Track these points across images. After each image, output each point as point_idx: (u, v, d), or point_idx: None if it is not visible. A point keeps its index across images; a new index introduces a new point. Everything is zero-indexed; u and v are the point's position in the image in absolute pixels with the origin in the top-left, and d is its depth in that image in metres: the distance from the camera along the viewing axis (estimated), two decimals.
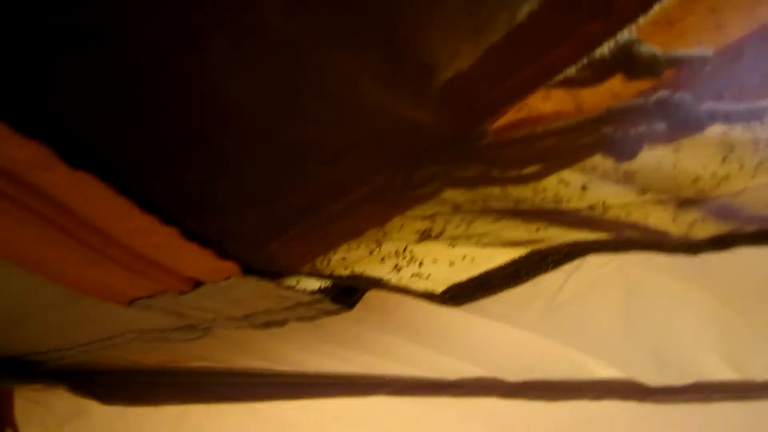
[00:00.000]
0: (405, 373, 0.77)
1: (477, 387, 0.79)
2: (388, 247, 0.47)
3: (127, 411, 0.75)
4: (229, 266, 0.43)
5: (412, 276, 0.49)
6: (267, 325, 0.53)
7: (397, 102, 0.36)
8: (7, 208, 0.34)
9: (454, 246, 0.47)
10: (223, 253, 0.42)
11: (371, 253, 0.48)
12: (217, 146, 0.36)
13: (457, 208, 0.46)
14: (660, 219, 0.44)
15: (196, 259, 0.42)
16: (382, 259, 0.48)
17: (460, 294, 0.50)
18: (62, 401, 0.73)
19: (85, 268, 0.41)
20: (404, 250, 0.47)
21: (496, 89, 0.36)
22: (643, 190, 0.42)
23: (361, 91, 0.34)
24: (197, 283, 0.45)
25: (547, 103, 0.40)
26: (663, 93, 0.36)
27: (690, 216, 0.45)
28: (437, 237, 0.46)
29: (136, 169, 0.35)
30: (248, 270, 0.45)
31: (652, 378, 0.81)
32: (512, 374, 0.78)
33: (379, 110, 0.36)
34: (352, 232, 0.46)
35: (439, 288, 0.50)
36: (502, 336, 0.67)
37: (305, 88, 0.33)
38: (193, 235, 0.40)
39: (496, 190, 0.45)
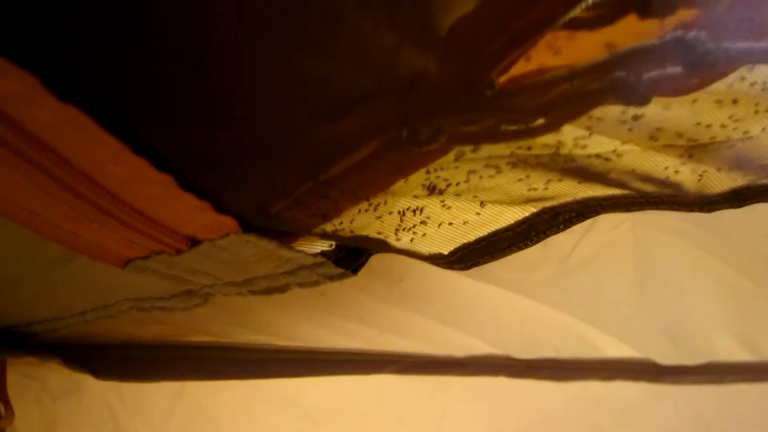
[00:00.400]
0: (411, 350, 0.75)
1: (485, 365, 0.78)
2: (393, 207, 0.45)
3: (123, 387, 0.74)
4: (228, 222, 0.41)
5: (418, 236, 0.47)
6: (268, 291, 0.52)
7: (402, 50, 0.34)
8: None
9: (461, 204, 0.45)
10: (221, 208, 0.41)
11: (376, 212, 0.46)
12: (218, 92, 0.34)
13: (464, 165, 0.44)
14: (673, 168, 0.42)
15: (192, 213, 0.40)
16: (388, 219, 0.46)
17: (468, 255, 0.49)
18: (56, 376, 0.72)
19: (77, 223, 0.40)
20: (410, 209, 0.46)
21: (501, 33, 0.35)
22: (654, 137, 0.40)
23: (365, 40, 0.32)
24: (194, 242, 0.43)
25: (556, 53, 0.38)
26: (678, 32, 0.35)
27: (703, 165, 0.43)
28: (444, 194, 0.45)
29: (128, 106, 0.33)
30: (247, 228, 0.43)
31: (663, 355, 0.80)
32: (521, 351, 0.77)
33: (384, 60, 0.34)
34: (359, 193, 0.44)
35: (445, 249, 0.48)
36: (511, 306, 0.66)
37: (310, 37, 0.31)
38: (189, 185, 0.38)
39: (504, 145, 0.43)
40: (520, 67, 0.39)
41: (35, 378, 0.72)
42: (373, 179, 0.44)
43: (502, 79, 0.38)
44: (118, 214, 0.39)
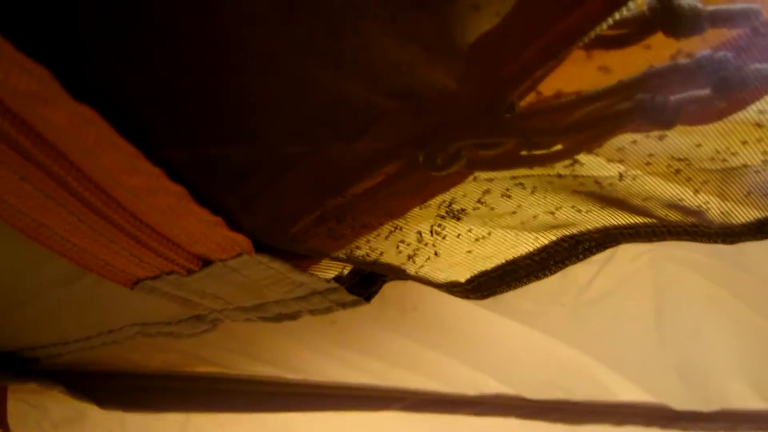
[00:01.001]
0: (421, 386, 0.74)
1: (496, 405, 0.76)
2: (410, 232, 0.44)
3: (126, 417, 0.72)
4: (240, 240, 0.40)
5: (434, 263, 0.46)
6: (279, 318, 0.50)
7: (421, 67, 0.33)
8: (4, 153, 0.31)
9: (479, 230, 0.44)
10: (234, 226, 0.40)
11: (392, 237, 0.45)
12: (236, 106, 0.33)
13: (482, 188, 0.43)
14: (696, 196, 0.41)
15: (204, 230, 0.39)
16: (403, 245, 0.45)
17: (485, 284, 0.47)
18: (58, 404, 0.70)
19: (86, 238, 0.39)
20: (427, 234, 0.45)
21: (523, 51, 0.33)
22: (679, 158, 0.39)
23: (383, 56, 0.32)
24: (205, 263, 0.42)
25: (579, 72, 0.38)
26: (706, 53, 0.34)
27: (728, 193, 0.42)
28: (461, 220, 0.43)
29: (145, 114, 0.32)
30: (260, 247, 0.42)
31: (677, 399, 0.78)
32: (533, 391, 0.75)
33: (402, 78, 0.34)
34: (375, 218, 0.43)
35: (462, 276, 0.47)
36: (526, 342, 0.64)
37: (327, 52, 0.31)
38: (203, 199, 0.37)
39: (524, 171, 0.42)
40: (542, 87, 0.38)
41: (36, 406, 0.71)
42: (390, 204, 0.43)
43: (523, 103, 0.38)
44: (128, 228, 0.38)
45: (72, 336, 0.57)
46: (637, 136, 0.39)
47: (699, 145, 0.40)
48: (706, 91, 0.35)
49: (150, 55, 0.29)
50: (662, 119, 0.37)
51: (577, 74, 0.37)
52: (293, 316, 0.50)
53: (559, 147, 0.40)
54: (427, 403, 0.77)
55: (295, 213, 0.42)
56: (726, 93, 0.35)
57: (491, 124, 0.38)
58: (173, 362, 0.69)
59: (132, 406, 0.71)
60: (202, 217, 0.37)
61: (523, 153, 0.41)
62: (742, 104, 0.37)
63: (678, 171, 0.41)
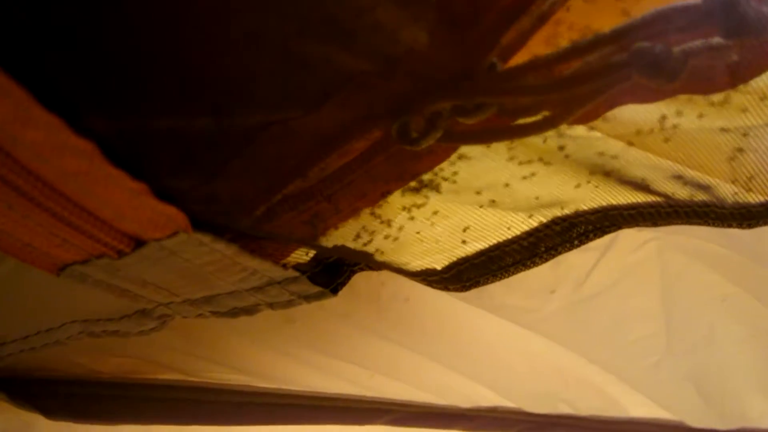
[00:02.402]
0: (409, 398, 0.69)
1: (494, 420, 0.71)
2: (381, 213, 0.40)
3: (77, 429, 0.67)
4: (174, 215, 0.35)
5: (404, 246, 0.41)
6: (234, 312, 0.45)
7: (385, 18, 0.29)
8: None
9: (457, 208, 0.39)
10: (164, 196, 0.34)
11: (360, 220, 0.40)
12: (176, 63, 0.29)
13: (460, 164, 0.38)
14: (708, 162, 0.36)
15: (129, 201, 0.34)
16: (371, 225, 0.40)
17: (466, 272, 0.42)
18: (1, 415, 0.66)
19: None
20: (399, 214, 0.40)
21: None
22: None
23: (347, 7, 0.28)
24: (138, 243, 0.37)
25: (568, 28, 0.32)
26: None
27: (748, 163, 0.37)
28: (437, 197, 0.38)
29: (32, 40, 0.27)
30: (199, 224, 0.37)
31: (690, 412, 0.73)
32: (534, 404, 0.70)
33: (366, 32, 0.29)
34: (344, 203, 0.38)
35: (439, 263, 0.41)
36: (520, 346, 0.60)
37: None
38: (121, 161, 0.32)
39: (507, 142, 0.37)
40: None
41: None
42: (362, 185, 0.38)
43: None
44: (40, 199, 0.33)
45: (7, 336, 0.52)
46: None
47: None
48: (716, 39, 0.30)
49: None
50: (664, 71, 0.32)
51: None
52: (250, 311, 0.45)
53: (546, 113, 0.36)
54: (416, 417, 0.73)
55: (255, 193, 0.38)
56: (739, 37, 0.30)
57: (469, 85, 0.34)
58: (129, 368, 0.65)
59: (83, 416, 0.66)
60: (123, 183, 0.32)
61: (507, 122, 0.36)
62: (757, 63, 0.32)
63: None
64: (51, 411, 0.64)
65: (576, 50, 0.33)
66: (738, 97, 0.34)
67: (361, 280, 0.46)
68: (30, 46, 0.27)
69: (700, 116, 0.35)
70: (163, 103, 0.31)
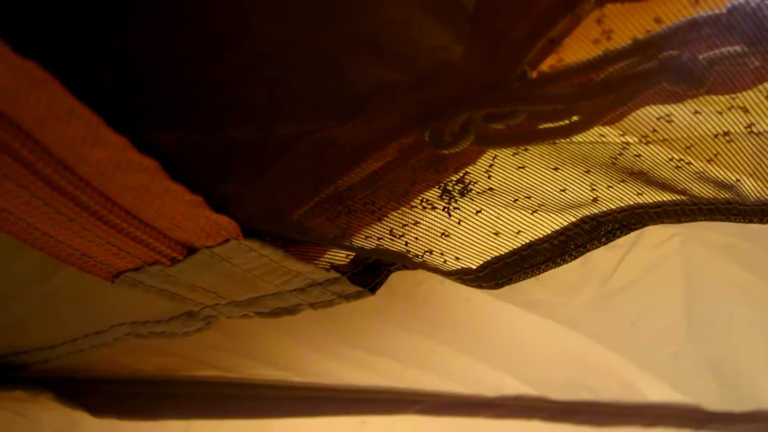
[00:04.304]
0: (437, 388, 0.70)
1: (518, 407, 0.72)
2: (416, 216, 0.41)
3: (121, 425, 0.69)
4: (226, 223, 0.37)
5: (442, 247, 0.42)
6: (276, 312, 0.47)
7: (421, 33, 0.30)
8: None
9: (491, 210, 0.41)
10: (218, 206, 0.36)
11: (397, 222, 0.41)
12: (222, 80, 0.30)
13: (494, 168, 0.40)
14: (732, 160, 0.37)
15: (184, 212, 0.35)
16: (409, 228, 0.42)
17: (499, 271, 0.44)
18: (48, 413, 0.67)
19: (55, 224, 0.35)
20: (434, 217, 0.41)
21: (533, 7, 0.31)
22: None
23: (383, 21, 0.29)
24: (190, 251, 0.39)
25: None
26: (739, 1, 0.30)
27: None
28: (471, 201, 0.40)
29: (112, 77, 0.29)
30: (250, 233, 0.38)
31: (709, 398, 0.74)
32: (557, 391, 0.71)
33: (402, 45, 0.31)
34: (379, 206, 0.40)
35: (474, 263, 0.43)
36: (547, 337, 0.61)
37: (323, 18, 0.28)
38: (180, 176, 0.33)
39: (538, 146, 0.39)
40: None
41: (25, 416, 0.68)
42: (396, 187, 0.40)
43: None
44: (101, 212, 0.35)
45: (58, 338, 0.53)
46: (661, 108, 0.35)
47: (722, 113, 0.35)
48: (738, 47, 0.31)
49: (121, 7, 0.26)
50: (692, 78, 0.33)
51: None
52: (292, 311, 0.46)
53: (576, 118, 0.37)
54: (444, 406, 0.74)
55: (293, 198, 0.39)
56: (763, 45, 0.32)
57: (500, 93, 0.35)
58: (171, 366, 0.66)
59: (127, 413, 0.68)
60: (180, 196, 0.34)
61: (538, 126, 0.38)
62: None
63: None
64: (96, 409, 0.65)
65: (606, 59, 0.34)
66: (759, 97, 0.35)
67: (396, 277, 0.47)
68: (100, 72, 0.28)
69: (720, 114, 0.36)
70: (216, 119, 0.32)
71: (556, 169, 0.39)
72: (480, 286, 0.45)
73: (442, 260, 0.43)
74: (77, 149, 0.30)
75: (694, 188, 0.40)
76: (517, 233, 0.42)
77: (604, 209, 0.42)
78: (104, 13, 0.26)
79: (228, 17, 0.27)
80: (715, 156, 0.38)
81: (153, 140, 0.31)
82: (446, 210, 0.40)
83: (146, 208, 0.35)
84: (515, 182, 0.39)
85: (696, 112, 0.35)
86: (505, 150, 0.39)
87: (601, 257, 0.50)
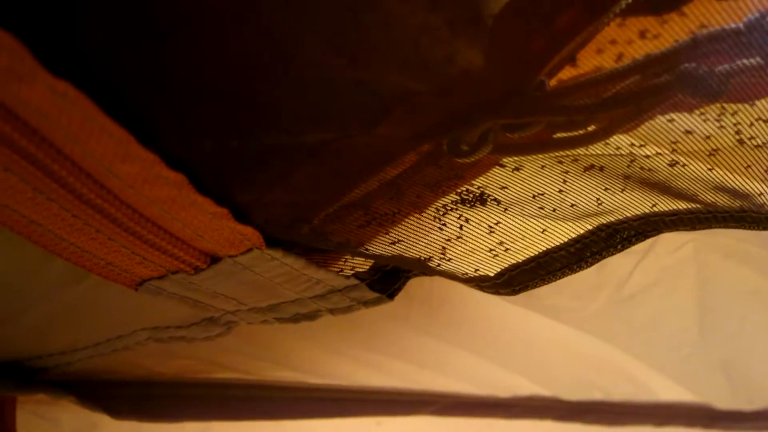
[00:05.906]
0: (452, 389, 0.70)
1: (531, 408, 0.73)
2: (434, 223, 0.41)
3: (141, 427, 0.69)
4: (249, 234, 0.37)
5: (460, 255, 0.42)
6: (296, 318, 0.47)
7: (442, 44, 0.30)
8: None
9: (509, 219, 0.41)
10: (244, 218, 0.37)
11: (415, 229, 0.42)
12: (246, 89, 0.30)
13: (512, 176, 0.39)
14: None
15: (209, 223, 0.36)
16: (427, 236, 0.42)
17: (516, 278, 0.44)
18: (70, 415, 0.68)
19: (83, 235, 0.36)
20: (452, 225, 0.41)
21: (553, 20, 0.31)
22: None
23: (404, 32, 0.29)
24: (213, 260, 0.39)
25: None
26: (756, 15, 0.31)
27: None
28: (489, 209, 0.40)
29: (140, 92, 0.29)
30: (272, 242, 0.39)
31: (719, 398, 0.74)
32: (569, 391, 0.71)
33: (422, 56, 0.30)
34: (397, 213, 0.40)
35: (492, 270, 0.43)
36: (561, 340, 0.61)
37: (346, 28, 0.28)
38: (206, 189, 0.34)
39: (557, 155, 0.39)
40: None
41: (47, 418, 0.69)
42: (414, 194, 0.40)
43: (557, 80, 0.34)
44: (127, 223, 0.35)
45: (80, 343, 0.54)
46: (676, 115, 0.35)
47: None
48: (755, 60, 0.31)
49: (148, 23, 0.26)
50: (709, 90, 0.34)
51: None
52: (312, 317, 0.47)
53: (593, 127, 0.37)
54: (458, 407, 0.74)
55: (313, 206, 0.40)
56: None
57: (519, 103, 0.35)
58: (190, 369, 0.67)
59: (147, 415, 0.68)
60: (206, 209, 0.34)
61: (556, 135, 0.38)
62: None
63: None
64: (116, 411, 0.65)
65: (624, 71, 0.34)
66: None
67: (413, 283, 0.47)
68: (132, 90, 0.29)
69: (737, 124, 0.36)
70: (246, 130, 0.33)
71: (572, 180, 0.40)
72: (497, 293, 0.45)
73: (460, 268, 0.44)
74: (107, 165, 0.31)
75: (709, 196, 0.40)
76: (534, 243, 0.43)
77: (620, 218, 0.42)
78: (139, 33, 0.26)
79: (260, 33, 0.28)
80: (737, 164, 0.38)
81: (181, 154, 0.32)
82: (463, 218, 0.41)
83: (172, 220, 0.35)
84: (532, 191, 0.40)
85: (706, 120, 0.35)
86: (520, 159, 0.39)
87: (617, 263, 0.51)
